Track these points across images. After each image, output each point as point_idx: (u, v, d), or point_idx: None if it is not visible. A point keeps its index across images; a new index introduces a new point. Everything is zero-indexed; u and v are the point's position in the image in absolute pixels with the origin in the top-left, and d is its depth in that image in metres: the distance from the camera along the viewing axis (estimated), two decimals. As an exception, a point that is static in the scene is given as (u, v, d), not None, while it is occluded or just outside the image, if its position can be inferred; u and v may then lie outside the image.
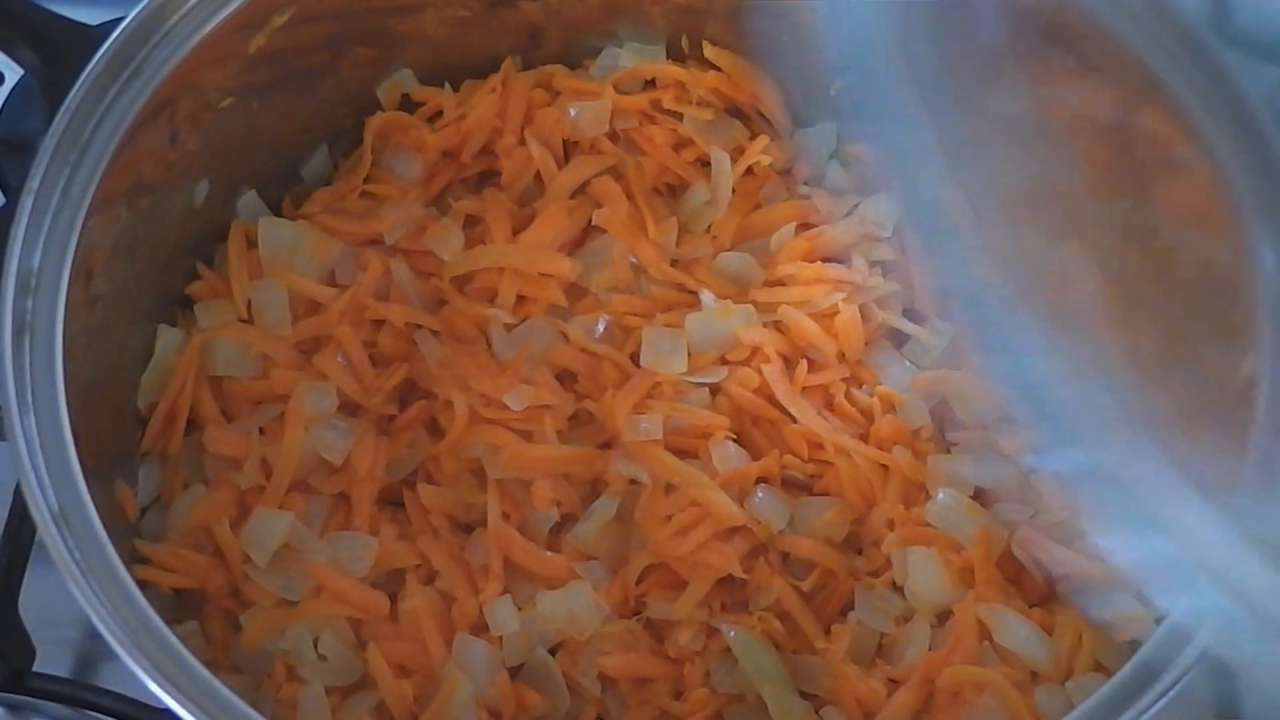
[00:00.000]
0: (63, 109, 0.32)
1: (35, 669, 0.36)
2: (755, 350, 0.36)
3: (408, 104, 0.39)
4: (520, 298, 0.37)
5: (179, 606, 0.34)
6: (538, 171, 0.38)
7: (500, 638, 0.34)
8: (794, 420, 0.35)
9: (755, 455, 0.36)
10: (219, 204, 0.37)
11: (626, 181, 0.38)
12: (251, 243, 0.37)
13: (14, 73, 0.44)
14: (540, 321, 0.37)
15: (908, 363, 0.37)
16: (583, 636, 0.34)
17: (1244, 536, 0.21)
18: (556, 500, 0.35)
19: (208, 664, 0.29)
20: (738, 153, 0.38)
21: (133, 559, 0.33)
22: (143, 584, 0.31)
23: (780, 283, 0.37)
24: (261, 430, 0.35)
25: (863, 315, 0.36)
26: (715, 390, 0.36)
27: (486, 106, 0.38)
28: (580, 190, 0.38)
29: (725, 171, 0.38)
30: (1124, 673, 0.30)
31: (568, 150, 0.39)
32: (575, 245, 0.38)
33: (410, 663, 0.33)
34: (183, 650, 0.29)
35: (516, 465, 0.35)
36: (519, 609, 0.34)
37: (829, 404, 0.36)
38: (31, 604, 0.36)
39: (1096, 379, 0.22)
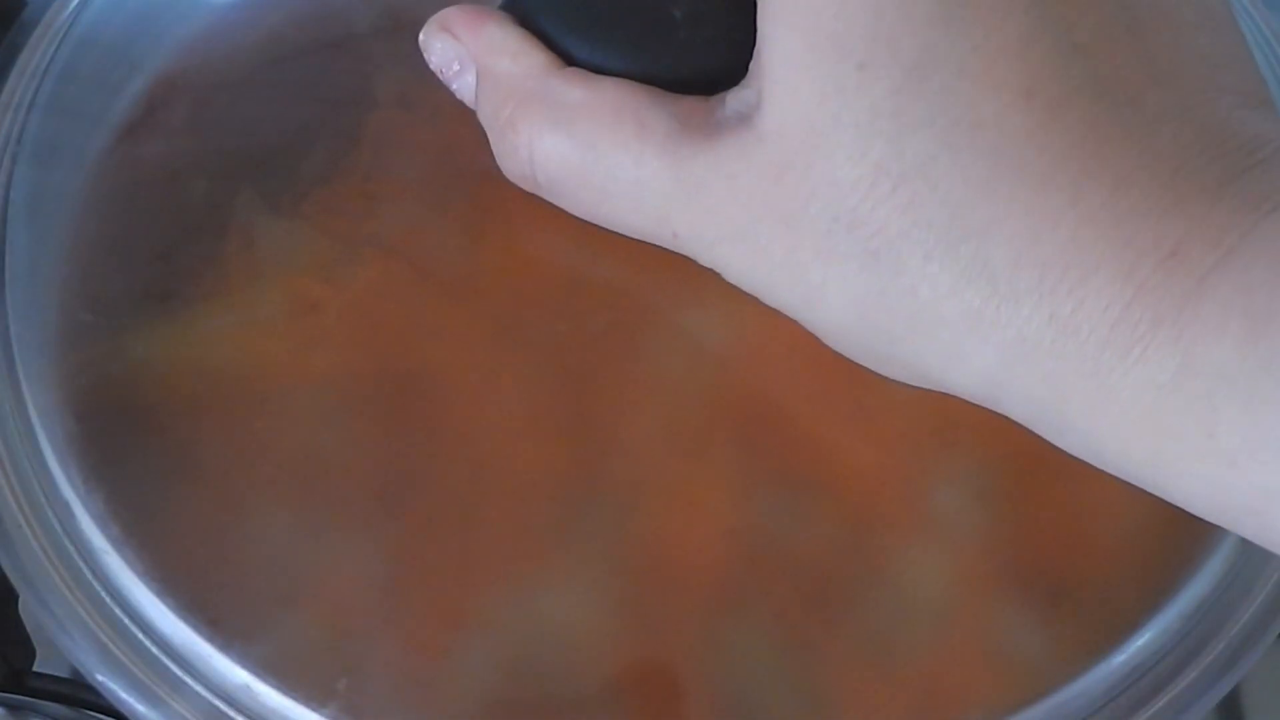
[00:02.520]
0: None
1: (35, 669, 0.36)
2: (757, 349, 0.36)
3: (407, 102, 0.39)
4: (520, 296, 0.37)
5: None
6: (538, 170, 0.38)
7: (499, 637, 0.34)
8: (795, 419, 0.35)
9: (756, 454, 0.36)
10: (217, 203, 0.37)
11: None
12: (250, 242, 0.37)
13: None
14: (541, 319, 0.37)
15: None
16: (582, 635, 0.34)
17: None
18: (556, 499, 0.35)
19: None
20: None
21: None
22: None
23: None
24: (260, 430, 0.35)
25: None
26: (716, 389, 0.36)
27: (487, 104, 0.38)
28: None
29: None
30: (1126, 670, 0.31)
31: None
32: (576, 244, 0.38)
33: (409, 661, 0.33)
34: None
35: (516, 464, 0.35)
36: (519, 608, 0.34)
37: (830, 402, 0.36)
38: (29, 611, 0.36)
39: None
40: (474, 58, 0.27)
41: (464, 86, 0.29)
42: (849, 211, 0.22)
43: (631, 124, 0.25)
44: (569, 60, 0.27)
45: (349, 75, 0.38)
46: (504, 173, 0.28)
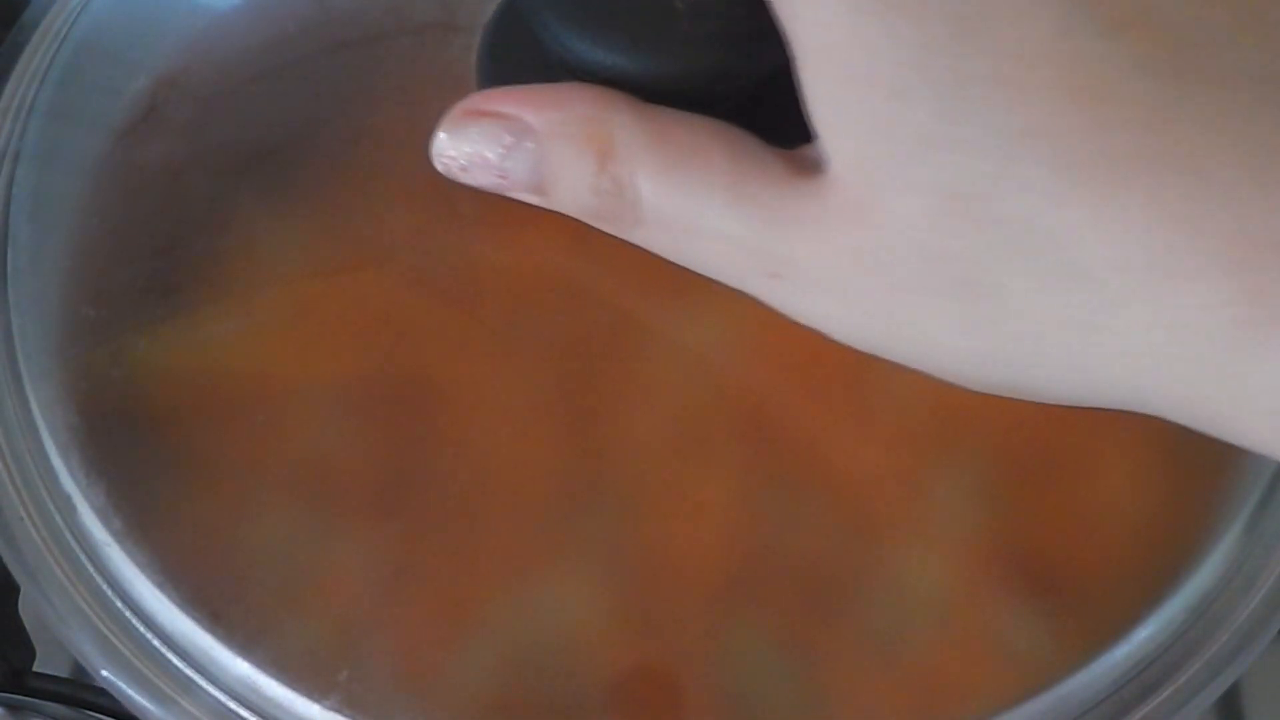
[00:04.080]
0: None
1: (35, 669, 0.36)
2: (757, 350, 0.36)
3: (407, 101, 0.39)
4: (522, 297, 0.37)
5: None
6: (540, 168, 0.38)
7: (499, 636, 0.34)
8: (795, 419, 0.36)
9: (756, 455, 0.35)
10: (218, 203, 0.37)
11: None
12: (251, 242, 0.37)
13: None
14: (542, 319, 0.37)
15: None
16: (583, 635, 0.34)
17: None
18: (557, 498, 0.35)
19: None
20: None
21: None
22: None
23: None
24: (261, 425, 0.35)
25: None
26: (716, 390, 0.36)
27: (489, 104, 0.38)
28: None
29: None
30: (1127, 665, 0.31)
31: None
32: (577, 245, 0.38)
33: (409, 661, 0.33)
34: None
35: (517, 464, 0.35)
36: (519, 607, 0.34)
37: (830, 403, 0.36)
38: (31, 604, 0.36)
39: None
40: (536, 123, 0.25)
41: (520, 162, 0.27)
42: (930, 245, 0.21)
43: (726, 166, 0.24)
44: (570, 57, 0.27)
45: (349, 75, 0.38)
46: (590, 216, 0.28)
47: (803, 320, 0.26)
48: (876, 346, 0.26)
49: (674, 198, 0.24)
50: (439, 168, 0.28)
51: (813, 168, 0.23)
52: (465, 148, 0.28)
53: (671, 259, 0.27)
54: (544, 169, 0.27)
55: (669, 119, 0.24)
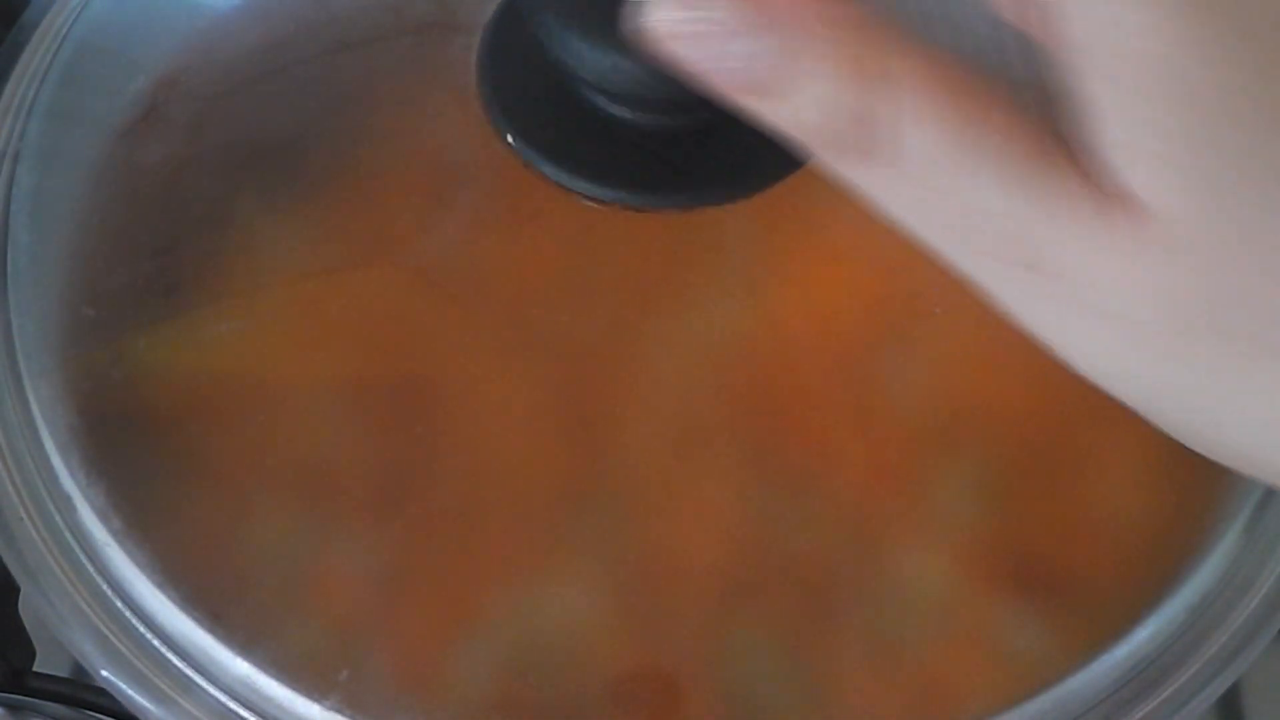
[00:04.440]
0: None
1: (35, 669, 0.36)
2: (757, 350, 0.36)
3: (407, 101, 0.39)
4: (521, 297, 0.37)
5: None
6: (541, 167, 0.38)
7: (499, 636, 0.34)
8: (796, 419, 0.35)
9: (756, 455, 0.35)
10: (218, 203, 0.37)
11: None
12: (251, 241, 0.37)
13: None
14: (542, 319, 0.37)
15: (910, 360, 0.37)
16: (583, 635, 0.34)
17: None
18: (557, 498, 0.35)
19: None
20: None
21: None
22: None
23: (783, 279, 0.37)
24: (261, 425, 0.35)
25: (866, 312, 0.36)
26: (717, 389, 0.36)
27: (490, 103, 0.38)
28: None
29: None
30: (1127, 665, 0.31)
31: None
32: (578, 244, 0.38)
33: (409, 661, 0.33)
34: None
35: (517, 463, 0.35)
36: (520, 607, 0.34)
37: (830, 403, 0.36)
38: (31, 604, 0.36)
39: None
40: (795, 19, 0.20)
41: (753, 55, 0.20)
42: (1272, 306, 0.18)
43: (1019, 136, 0.20)
44: (570, 57, 0.27)
45: (349, 75, 0.38)
46: (816, 137, 0.21)
47: (1044, 332, 0.21)
48: (1143, 394, 0.21)
49: (947, 148, 0.20)
50: (644, 25, 0.20)
51: (1099, 174, 0.19)
52: (693, 16, 0.20)
53: (894, 212, 0.21)
54: (783, 71, 0.20)
55: (959, 65, 0.20)
